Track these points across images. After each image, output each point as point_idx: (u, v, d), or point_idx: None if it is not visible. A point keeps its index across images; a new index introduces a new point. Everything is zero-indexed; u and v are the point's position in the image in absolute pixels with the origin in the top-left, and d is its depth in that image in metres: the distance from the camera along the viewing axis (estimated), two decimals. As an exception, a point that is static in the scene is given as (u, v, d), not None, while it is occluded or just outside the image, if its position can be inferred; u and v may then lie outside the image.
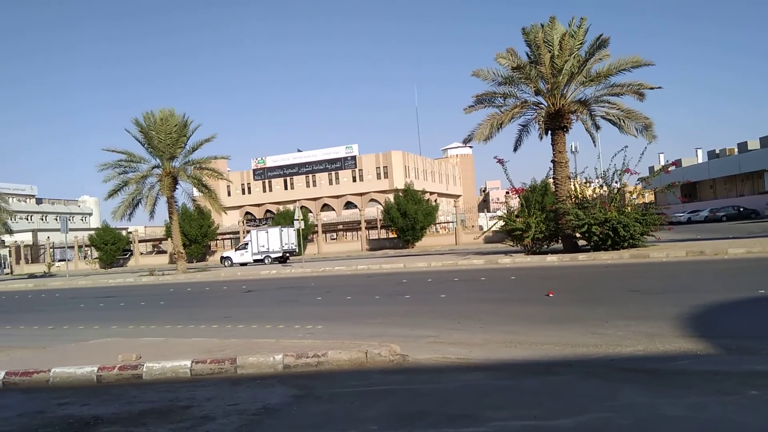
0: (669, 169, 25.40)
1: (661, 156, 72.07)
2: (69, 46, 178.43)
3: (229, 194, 67.41)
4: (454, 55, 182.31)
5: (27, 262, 59.81)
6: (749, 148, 57.73)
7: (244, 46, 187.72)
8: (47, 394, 6.03)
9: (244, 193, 71.96)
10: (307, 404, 5.07)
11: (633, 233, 20.34)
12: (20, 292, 27.16)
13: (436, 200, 57.09)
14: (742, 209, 46.69)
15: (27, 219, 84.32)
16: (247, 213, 70.92)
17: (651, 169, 33.30)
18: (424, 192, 46.68)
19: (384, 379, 5.84)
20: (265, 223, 57.73)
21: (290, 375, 6.19)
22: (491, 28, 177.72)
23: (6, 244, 53.37)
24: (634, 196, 22.03)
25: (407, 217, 42.64)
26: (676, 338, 6.77)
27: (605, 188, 22.10)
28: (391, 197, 45.76)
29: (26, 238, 64.83)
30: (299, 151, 70.29)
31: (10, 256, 59.85)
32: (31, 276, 44.81)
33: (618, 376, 5.37)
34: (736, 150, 60.85)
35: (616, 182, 21.88)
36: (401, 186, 47.42)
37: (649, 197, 28.79)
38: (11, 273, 56.81)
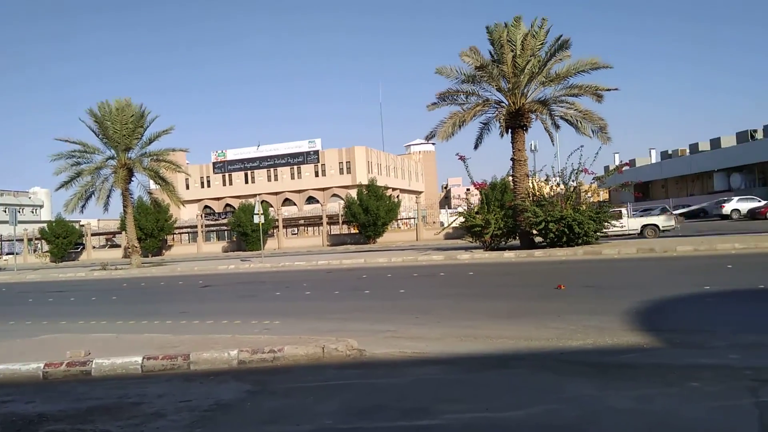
0: (622, 169, 26.16)
1: (617, 156, 74.11)
2: (19, 42, 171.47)
3: (187, 187, 66.03)
4: (419, 50, 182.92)
5: (-28, 256, 57.31)
6: (700, 149, 60.10)
7: (207, 41, 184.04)
8: (-11, 392, 5.78)
9: (203, 186, 70.64)
10: (261, 399, 5.03)
11: (587, 230, 20.91)
12: (-36, 286, 25.97)
13: (398, 196, 57.29)
14: (692, 208, 48.33)
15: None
16: (206, 207, 69.67)
17: (606, 168, 34.20)
18: (386, 188, 46.71)
19: (340, 373, 5.83)
20: (225, 217, 56.98)
21: (245, 371, 6.12)
22: (459, 23, 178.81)
23: (-52, 236, 51.10)
24: (589, 194, 22.58)
25: (369, 213, 42.55)
26: (624, 332, 6.98)
27: (562, 186, 22.56)
28: (353, 193, 45.65)
29: (-29, 230, 62.12)
30: (258, 147, 69.26)
31: (-48, 248, 57.31)
32: (-24, 270, 42.91)
33: (567, 369, 5.51)
34: (688, 151, 63.19)
35: (573, 181, 22.37)
36: (364, 181, 47.38)
37: (603, 195, 29.57)
38: (-46, 266, 54.35)
